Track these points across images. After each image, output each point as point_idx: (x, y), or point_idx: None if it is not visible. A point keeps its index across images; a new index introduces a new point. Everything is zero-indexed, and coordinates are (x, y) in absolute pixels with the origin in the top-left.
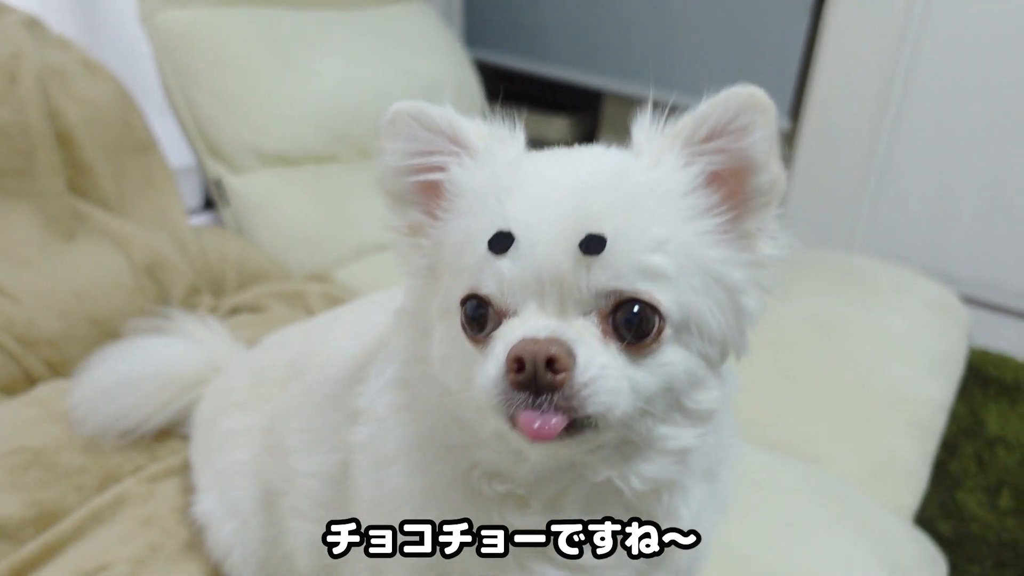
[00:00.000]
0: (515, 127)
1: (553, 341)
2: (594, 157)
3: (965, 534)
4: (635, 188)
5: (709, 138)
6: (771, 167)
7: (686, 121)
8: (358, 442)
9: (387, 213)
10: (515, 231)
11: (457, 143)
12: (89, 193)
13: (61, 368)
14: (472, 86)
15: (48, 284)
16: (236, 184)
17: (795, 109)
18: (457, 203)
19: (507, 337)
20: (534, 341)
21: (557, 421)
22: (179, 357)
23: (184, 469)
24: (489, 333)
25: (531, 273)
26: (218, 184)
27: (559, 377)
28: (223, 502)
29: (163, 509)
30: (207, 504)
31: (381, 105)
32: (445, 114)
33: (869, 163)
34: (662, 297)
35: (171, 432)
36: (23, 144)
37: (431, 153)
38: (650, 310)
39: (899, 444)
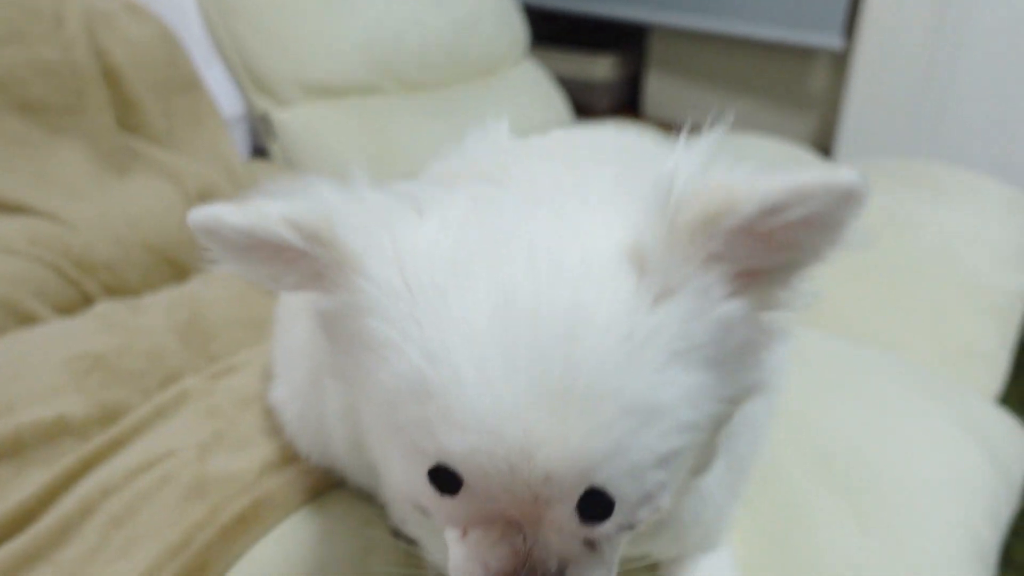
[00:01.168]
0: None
1: None
2: (570, 286)
3: None
4: (639, 369)
5: (767, 232)
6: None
7: (734, 204)
8: None
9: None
10: (459, 471)
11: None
12: (139, 129)
13: (119, 291)
14: (513, 23)
15: (102, 213)
16: (282, 117)
17: (849, 25)
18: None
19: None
20: None
21: None
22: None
23: (244, 367)
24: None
25: (491, 505)
26: (264, 119)
27: None
28: (289, 384)
29: (225, 402)
30: (278, 389)
31: (419, 36)
32: (247, 221)
33: (929, 76)
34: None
35: (229, 339)
36: (72, 83)
37: (266, 250)
38: None
39: (976, 330)
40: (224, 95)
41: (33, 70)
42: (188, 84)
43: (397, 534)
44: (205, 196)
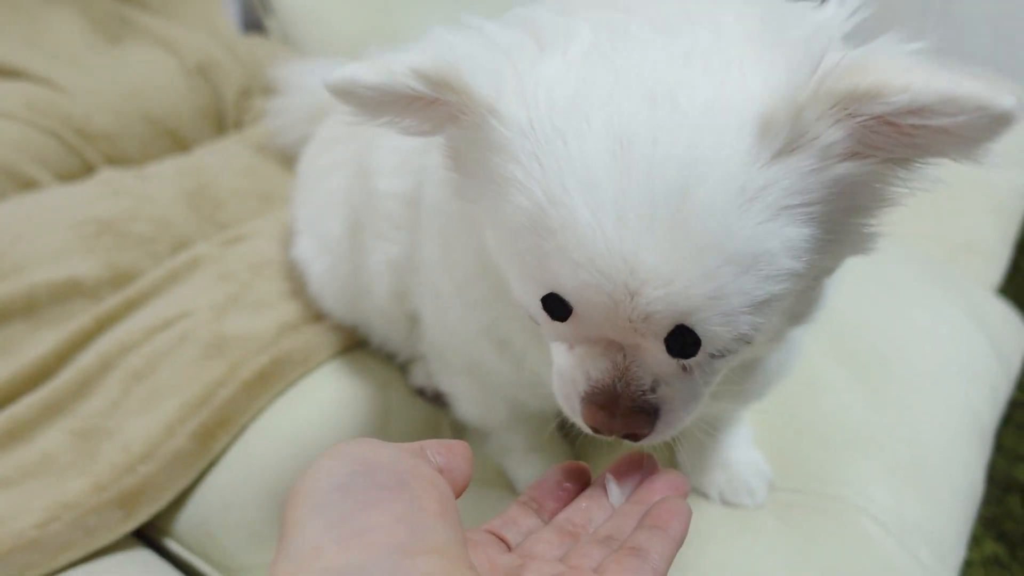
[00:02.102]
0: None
1: (629, 416)
2: (688, 135)
3: None
4: (747, 222)
5: (897, 124)
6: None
7: (885, 89)
8: (429, 165)
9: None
10: (570, 301)
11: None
12: None
13: (119, 162)
14: None
15: (100, 82)
16: None
17: None
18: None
19: (580, 383)
20: (609, 418)
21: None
22: None
23: (256, 235)
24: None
25: (596, 331)
26: None
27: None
28: (317, 238)
29: (239, 267)
30: (303, 245)
31: None
32: (380, 78)
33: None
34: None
35: (238, 208)
36: None
37: (400, 102)
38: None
39: (978, 225)
40: None
41: None
42: None
43: (421, 392)
44: (205, 69)
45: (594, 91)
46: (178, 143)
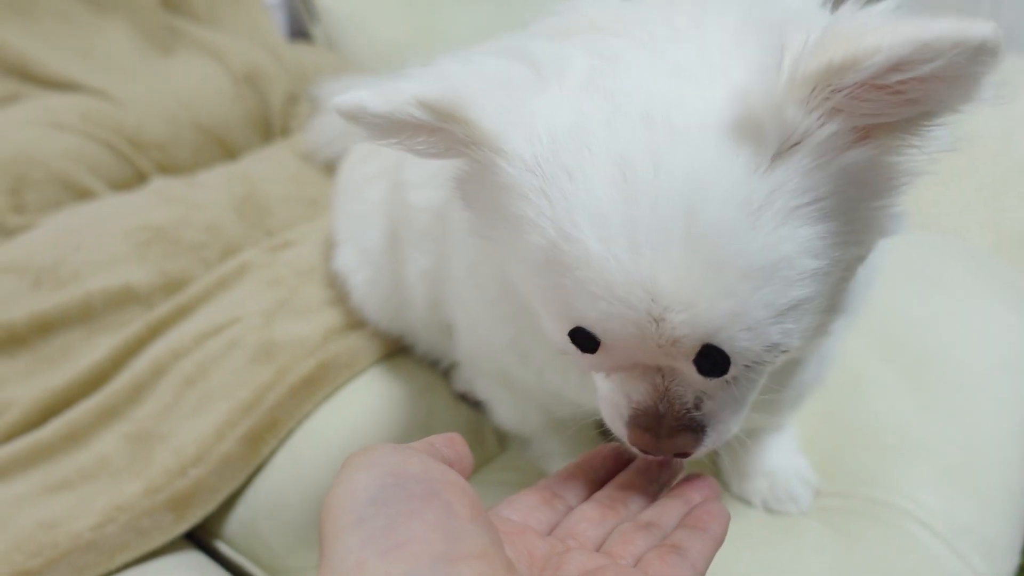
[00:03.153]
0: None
1: (676, 436)
2: (687, 155)
3: None
4: (758, 232)
5: (895, 86)
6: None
7: (858, 57)
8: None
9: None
10: (596, 333)
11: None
12: (181, 9)
13: (171, 170)
14: None
15: (152, 92)
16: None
17: None
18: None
19: (623, 407)
20: (655, 440)
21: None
22: None
23: (302, 241)
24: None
25: (627, 359)
26: (306, 1)
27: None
28: (357, 250)
29: (286, 272)
30: (344, 256)
31: None
32: (387, 106)
33: None
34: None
35: (286, 215)
36: None
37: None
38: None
39: None
40: None
41: None
42: None
43: (464, 397)
44: (252, 77)
45: (592, 121)
46: (227, 150)
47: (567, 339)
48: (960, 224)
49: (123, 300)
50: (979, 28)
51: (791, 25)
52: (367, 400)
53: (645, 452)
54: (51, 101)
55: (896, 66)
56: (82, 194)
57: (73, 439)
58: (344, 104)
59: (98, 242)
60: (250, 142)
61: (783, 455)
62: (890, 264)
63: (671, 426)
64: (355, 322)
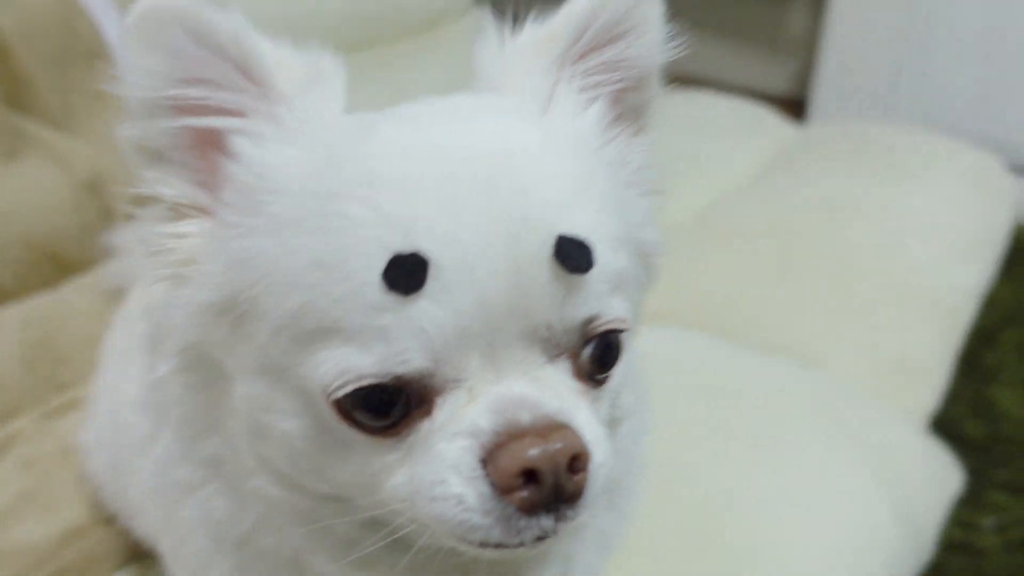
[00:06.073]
0: (336, 60)
1: (562, 430)
2: (475, 111)
3: (996, 435)
4: (568, 152)
5: (594, 49)
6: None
7: (556, 32)
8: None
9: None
10: (431, 250)
11: (249, 77)
12: (30, 108)
13: None
14: None
15: None
16: None
17: None
18: (269, 202)
19: (483, 427)
20: (541, 434)
21: (553, 527)
22: None
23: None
24: (400, 421)
25: (474, 317)
26: None
27: (578, 479)
28: (98, 432)
29: (51, 450)
30: (87, 435)
31: None
32: (232, 27)
33: (911, 22)
34: (626, 312)
35: (84, 363)
36: None
37: (207, 84)
38: (619, 335)
39: (914, 339)
40: None
41: None
42: (90, 53)
43: None
44: (95, 185)
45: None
46: (59, 267)
47: (378, 288)
48: (829, 350)
49: None
50: None
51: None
52: None
53: (529, 483)
54: None
55: (584, 28)
56: None
57: None
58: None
59: None
60: (89, 256)
61: None
62: (724, 419)
63: (546, 425)
64: (103, 516)
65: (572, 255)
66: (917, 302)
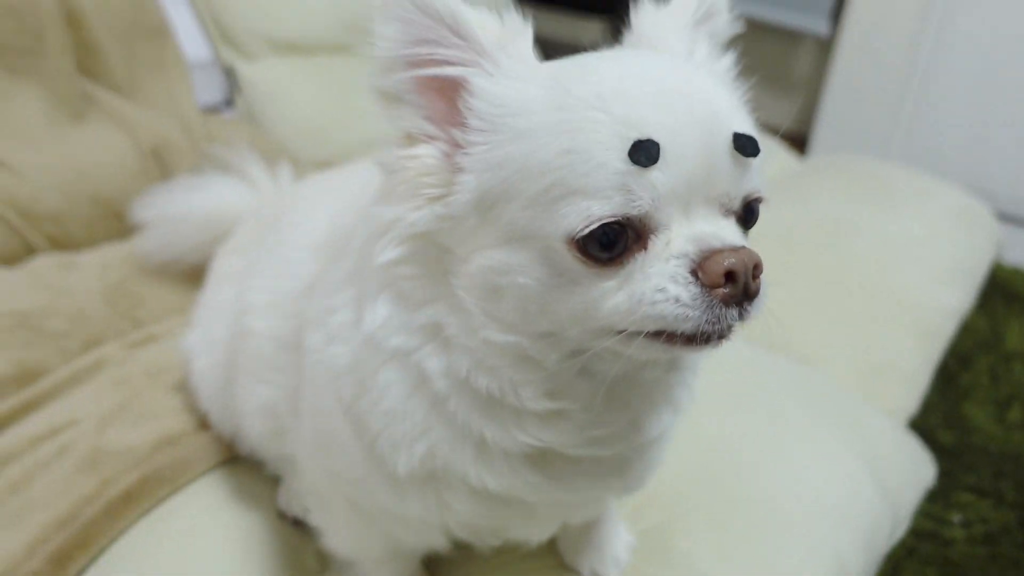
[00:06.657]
0: (524, 21)
1: (744, 249)
2: (652, 55)
3: (966, 445)
4: (720, 82)
5: (707, 18)
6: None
7: (689, 3)
8: (310, 346)
9: (384, 122)
10: (658, 138)
11: (460, 36)
12: (99, 75)
13: (63, 243)
14: None
15: (52, 162)
16: (247, 72)
17: (836, 12)
18: (507, 122)
19: (690, 251)
20: (734, 251)
21: (738, 318)
22: (233, 196)
23: (165, 337)
24: (623, 254)
25: (683, 182)
26: (230, 72)
27: (757, 283)
28: (205, 337)
29: (137, 372)
30: (192, 338)
31: None
32: (446, 0)
33: (910, 72)
34: (765, 189)
35: (158, 304)
36: (32, 23)
37: (431, 43)
38: (759, 203)
39: (898, 348)
40: (200, 39)
41: None
42: (154, 30)
43: (284, 516)
44: (159, 152)
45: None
46: (124, 226)
47: (623, 164)
48: (821, 352)
49: None
50: None
51: None
52: (184, 518)
53: (729, 281)
54: None
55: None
56: None
57: None
58: None
59: None
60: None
61: (609, 529)
62: (733, 392)
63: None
64: (194, 426)
65: (747, 145)
66: (905, 316)
